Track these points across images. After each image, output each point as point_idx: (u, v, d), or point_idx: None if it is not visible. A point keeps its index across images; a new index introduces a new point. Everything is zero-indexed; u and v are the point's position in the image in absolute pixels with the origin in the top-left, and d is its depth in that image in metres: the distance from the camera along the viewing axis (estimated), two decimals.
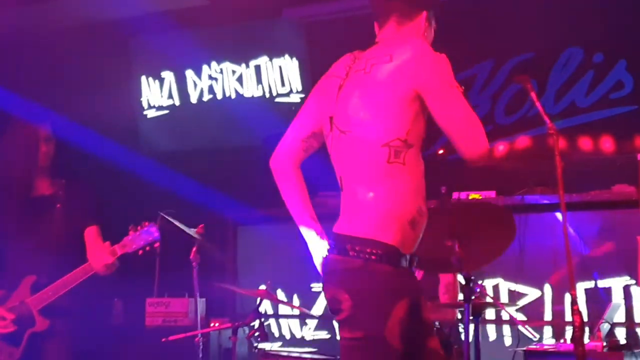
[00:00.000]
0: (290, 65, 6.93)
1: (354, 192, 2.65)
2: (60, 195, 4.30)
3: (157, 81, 7.47)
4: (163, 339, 4.86)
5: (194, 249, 4.90)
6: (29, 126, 4.31)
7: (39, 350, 4.12)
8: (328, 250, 2.71)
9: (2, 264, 4.27)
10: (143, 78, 7.50)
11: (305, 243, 2.89)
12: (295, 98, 6.90)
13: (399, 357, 2.57)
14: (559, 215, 5.44)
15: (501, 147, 6.00)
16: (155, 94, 7.47)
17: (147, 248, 4.07)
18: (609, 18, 5.77)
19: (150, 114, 7.50)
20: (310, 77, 6.80)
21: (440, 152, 6.15)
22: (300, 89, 6.90)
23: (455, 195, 5.81)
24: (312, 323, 6.44)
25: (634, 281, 5.27)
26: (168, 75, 7.43)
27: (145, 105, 7.51)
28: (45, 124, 4.33)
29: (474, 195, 5.74)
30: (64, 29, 7.21)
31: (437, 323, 4.70)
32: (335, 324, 2.76)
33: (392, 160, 2.59)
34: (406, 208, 2.63)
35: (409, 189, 2.64)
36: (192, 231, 4.96)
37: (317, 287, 6.33)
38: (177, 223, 4.89)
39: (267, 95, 7.03)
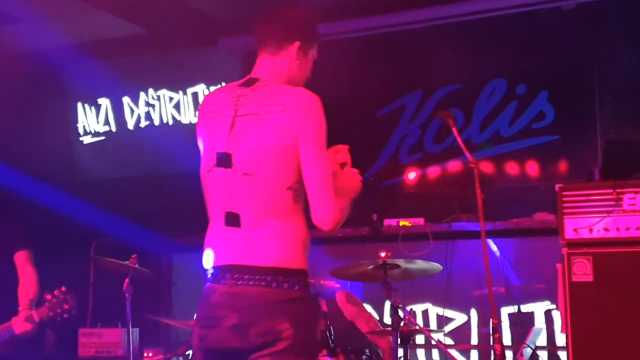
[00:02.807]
0: None
1: (263, 228, 2.77)
2: None
3: (93, 108, 7.51)
4: None
5: (127, 280, 4.95)
6: None
7: None
8: (236, 283, 2.76)
9: None
10: (79, 104, 7.53)
11: None
12: None
13: None
14: (491, 243, 5.65)
15: (412, 175, 6.22)
16: (92, 120, 7.51)
17: (65, 315, 4.16)
18: (531, 52, 6.03)
19: (87, 140, 7.53)
20: None
21: (371, 179, 6.34)
22: None
23: (386, 222, 5.98)
24: None
25: (554, 306, 5.47)
26: (104, 102, 7.48)
27: (81, 131, 7.54)
28: None
29: (403, 222, 5.90)
30: None
31: (367, 351, 4.83)
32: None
33: (296, 200, 2.80)
34: (308, 238, 2.85)
35: (305, 222, 2.85)
36: (125, 262, 5.01)
37: None
38: (109, 259, 4.95)
39: None
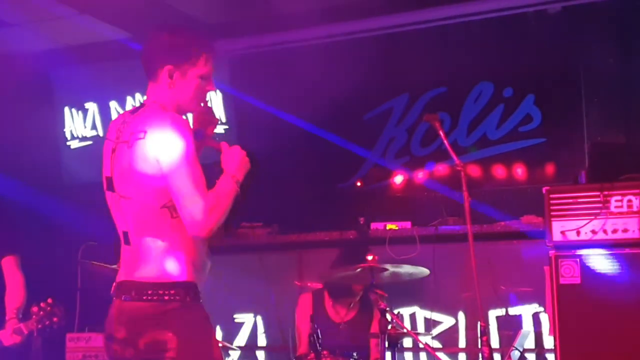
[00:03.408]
0: (213, 97, 7.02)
1: (145, 245, 2.92)
2: None
3: (80, 112, 7.49)
4: None
5: (114, 284, 4.90)
6: None
7: None
8: (125, 298, 2.93)
9: None
10: (66, 109, 7.51)
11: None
12: (219, 129, 6.95)
13: None
14: None
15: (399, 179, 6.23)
16: (79, 125, 7.49)
17: (55, 327, 4.17)
18: (517, 55, 6.05)
19: (74, 144, 7.51)
20: (233, 109, 6.91)
21: (358, 184, 6.34)
22: (224, 120, 6.99)
23: (373, 225, 5.99)
24: (234, 354, 6.50)
25: (542, 309, 5.49)
26: (91, 107, 7.46)
27: (68, 136, 7.51)
28: None
29: (390, 226, 5.91)
30: None
31: (355, 354, 4.82)
32: None
33: (175, 215, 2.89)
34: (195, 250, 2.95)
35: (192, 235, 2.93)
36: (112, 266, 4.98)
37: (240, 318, 6.41)
38: (96, 263, 4.93)
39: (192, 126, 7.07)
